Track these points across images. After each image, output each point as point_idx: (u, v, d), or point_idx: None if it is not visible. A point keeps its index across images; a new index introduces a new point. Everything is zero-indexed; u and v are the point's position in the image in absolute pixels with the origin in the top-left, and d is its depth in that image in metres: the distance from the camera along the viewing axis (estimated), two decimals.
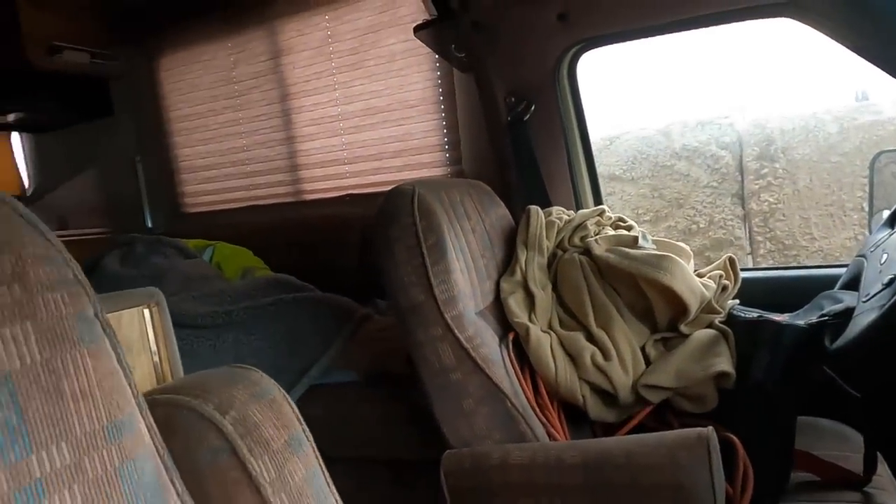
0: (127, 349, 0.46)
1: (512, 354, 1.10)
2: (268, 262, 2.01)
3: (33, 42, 2.03)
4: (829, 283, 1.25)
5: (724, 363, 1.09)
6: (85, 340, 0.38)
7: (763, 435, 1.00)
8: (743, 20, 1.31)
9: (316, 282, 1.73)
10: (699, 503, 0.80)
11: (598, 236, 1.28)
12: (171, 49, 2.41)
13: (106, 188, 2.64)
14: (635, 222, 1.40)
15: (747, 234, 2.51)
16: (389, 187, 1.09)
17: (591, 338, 1.17)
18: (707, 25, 1.34)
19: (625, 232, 1.31)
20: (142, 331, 0.56)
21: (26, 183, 2.74)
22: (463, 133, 1.90)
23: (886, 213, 1.27)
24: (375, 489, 1.30)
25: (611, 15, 1.37)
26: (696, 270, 1.26)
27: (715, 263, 1.32)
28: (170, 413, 0.46)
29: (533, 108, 1.53)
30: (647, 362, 1.17)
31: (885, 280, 0.96)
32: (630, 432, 1.11)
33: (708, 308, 1.19)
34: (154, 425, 0.42)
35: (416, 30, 1.58)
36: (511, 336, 1.14)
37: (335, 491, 0.51)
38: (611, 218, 1.39)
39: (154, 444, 0.42)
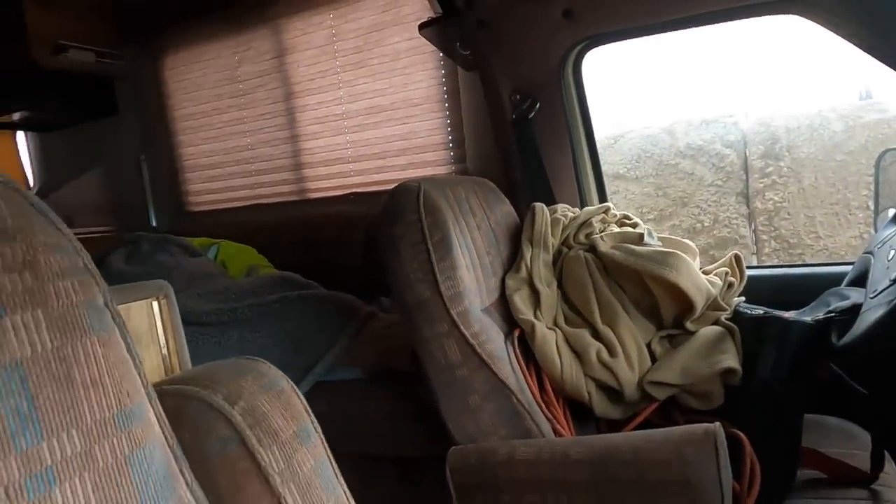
0: (136, 341, 0.46)
1: (518, 351, 1.10)
2: (272, 260, 2.02)
3: (39, 41, 2.04)
4: (834, 280, 1.24)
5: (730, 360, 1.08)
6: (95, 329, 0.38)
7: (770, 432, 0.99)
8: (750, 17, 1.30)
9: (320, 280, 1.73)
10: (706, 499, 0.80)
11: (603, 233, 1.27)
12: (176, 48, 2.42)
13: (111, 187, 2.65)
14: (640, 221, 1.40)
15: (752, 233, 2.50)
16: (393, 186, 1.09)
17: (596, 335, 1.17)
18: (714, 22, 1.34)
19: (630, 229, 1.31)
20: (150, 323, 0.56)
21: (31, 182, 2.75)
22: (467, 131, 1.90)
23: (892, 212, 1.26)
24: (381, 486, 1.30)
25: (616, 12, 1.37)
26: (701, 268, 1.26)
27: (721, 260, 1.32)
28: (178, 403, 0.46)
29: (538, 105, 1.53)
30: (653, 359, 1.16)
31: (893, 276, 0.95)
32: (636, 429, 1.10)
33: (714, 305, 1.18)
34: (163, 415, 0.42)
35: (421, 27, 1.58)
36: (517, 333, 1.14)
37: (343, 482, 0.51)
38: (616, 215, 1.39)
39: (163, 433, 0.42)
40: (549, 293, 1.21)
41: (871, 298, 0.95)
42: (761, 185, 2.45)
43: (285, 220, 2.21)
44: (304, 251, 2.02)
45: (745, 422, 1.00)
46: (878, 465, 0.98)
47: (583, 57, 1.52)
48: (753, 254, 2.51)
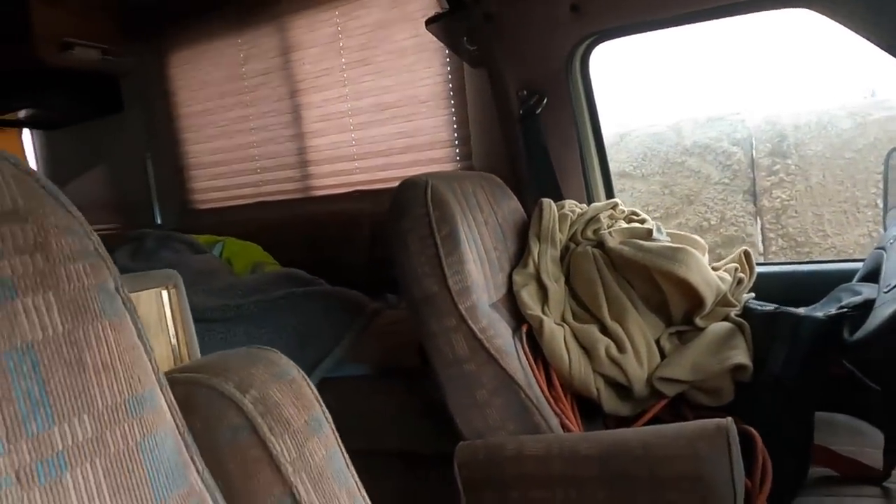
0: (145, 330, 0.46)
1: (525, 346, 1.09)
2: (277, 257, 2.01)
3: (45, 39, 2.03)
4: (845, 277, 1.23)
5: (740, 356, 1.07)
6: (107, 313, 0.37)
7: (782, 428, 0.98)
8: (760, 10, 1.29)
9: (325, 277, 1.73)
10: (718, 495, 0.79)
11: (611, 229, 1.27)
12: (181, 46, 2.42)
13: (116, 184, 2.65)
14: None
15: (759, 231, 2.49)
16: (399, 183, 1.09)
17: (604, 330, 1.16)
18: (723, 16, 1.32)
19: (638, 225, 1.30)
20: (160, 312, 0.55)
21: None
22: (473, 128, 1.89)
23: None
24: (388, 481, 1.29)
25: (624, 6, 1.36)
26: (710, 264, 1.25)
27: (730, 256, 1.31)
28: (189, 391, 0.45)
29: (545, 101, 1.52)
30: (662, 356, 1.16)
31: None
32: (644, 426, 1.09)
33: (723, 301, 1.17)
34: (174, 402, 0.42)
35: (428, 23, 1.57)
36: (524, 328, 1.13)
37: (354, 472, 0.51)
38: (624, 211, 1.38)
39: (174, 420, 0.41)
40: (556, 289, 1.20)
41: (886, 293, 0.94)
42: (768, 182, 2.44)
43: (290, 218, 2.21)
44: (309, 248, 2.02)
45: (757, 418, 0.99)
46: (890, 462, 0.97)
47: (590, 52, 1.52)
48: (761, 253, 2.49)
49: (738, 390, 1.09)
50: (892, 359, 0.94)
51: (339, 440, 0.51)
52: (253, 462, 0.44)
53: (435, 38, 1.68)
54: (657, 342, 1.17)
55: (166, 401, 0.41)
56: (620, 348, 1.13)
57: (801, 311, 1.09)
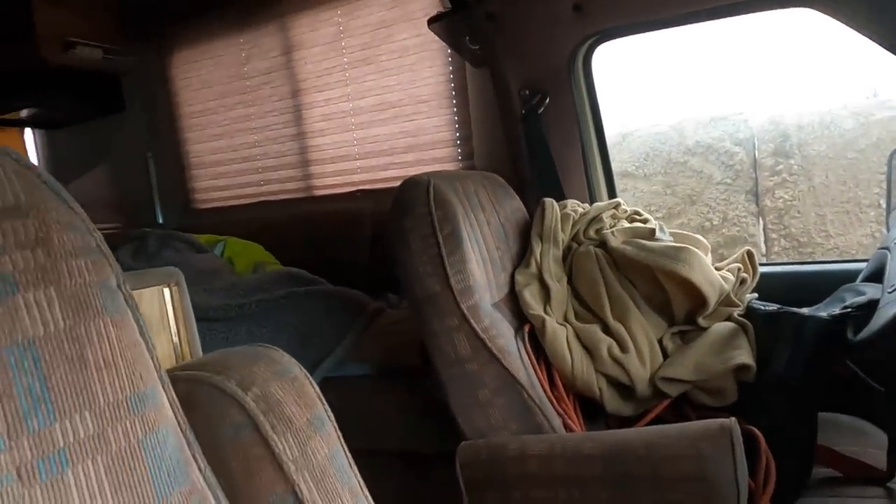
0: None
1: (528, 346, 1.09)
2: (279, 257, 2.01)
3: (48, 39, 2.04)
4: (847, 277, 1.23)
5: (744, 356, 1.07)
6: (108, 309, 0.37)
7: (785, 429, 0.98)
8: (763, 10, 1.29)
9: (326, 276, 1.73)
10: (722, 496, 0.79)
11: (614, 229, 1.26)
12: (183, 45, 2.42)
13: (117, 184, 2.65)
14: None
15: (762, 232, 2.48)
16: (400, 182, 1.08)
17: (607, 330, 1.15)
18: (726, 16, 1.32)
19: (641, 224, 1.30)
20: (162, 310, 0.55)
21: None
22: (475, 128, 1.89)
23: None
24: (390, 481, 1.29)
25: (627, 5, 1.36)
26: (713, 264, 1.25)
27: (733, 256, 1.30)
28: (191, 389, 0.45)
29: (547, 100, 1.52)
30: (665, 356, 1.15)
31: None
32: (647, 426, 1.09)
33: (726, 301, 1.17)
34: (176, 400, 0.42)
35: (430, 22, 1.57)
36: (527, 328, 1.13)
37: (357, 471, 0.50)
38: (626, 211, 1.38)
39: (176, 418, 0.41)
40: (559, 288, 1.20)
41: (890, 293, 0.93)
42: (771, 182, 2.43)
43: (292, 217, 2.21)
44: (311, 248, 2.02)
45: (760, 419, 0.99)
46: (894, 463, 0.96)
47: (593, 51, 1.51)
48: (763, 253, 2.49)
49: (742, 390, 1.09)
50: (895, 359, 0.94)
51: (342, 439, 0.51)
52: (255, 460, 0.44)
53: (437, 38, 1.67)
54: (660, 342, 1.16)
55: (168, 398, 0.41)
56: (623, 348, 1.12)
57: (805, 311, 1.09)
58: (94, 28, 2.19)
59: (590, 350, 1.13)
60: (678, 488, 0.81)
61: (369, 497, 0.51)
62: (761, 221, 2.49)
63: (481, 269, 1.07)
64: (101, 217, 2.62)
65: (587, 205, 1.40)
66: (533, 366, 1.06)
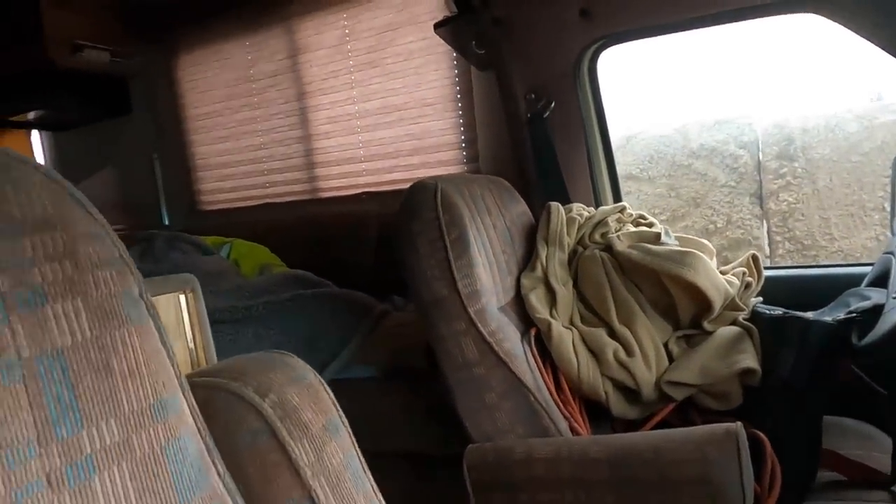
0: None
1: (534, 350, 1.09)
2: (284, 259, 2.02)
3: (56, 41, 2.05)
4: (852, 281, 1.23)
5: (749, 360, 1.07)
6: (132, 319, 0.38)
7: (790, 433, 0.98)
8: (768, 15, 1.29)
9: (332, 279, 1.73)
10: (728, 500, 0.79)
11: (619, 232, 1.27)
12: (190, 47, 2.43)
13: (124, 186, 2.66)
14: None
15: (766, 234, 2.48)
16: (406, 185, 1.09)
17: (613, 334, 1.16)
18: (731, 21, 1.33)
19: (646, 228, 1.31)
20: (178, 316, 0.56)
21: None
22: (480, 131, 1.90)
23: None
24: (396, 483, 1.29)
25: (633, 10, 1.36)
26: (717, 268, 1.25)
27: (738, 260, 1.31)
28: (209, 395, 0.46)
29: (553, 104, 1.53)
30: (670, 360, 1.16)
31: None
32: (653, 430, 1.10)
33: (731, 305, 1.17)
34: (195, 406, 0.43)
35: (437, 26, 1.58)
36: (533, 332, 1.14)
37: (370, 476, 0.51)
38: (631, 215, 1.38)
39: (196, 424, 0.42)
40: (565, 292, 1.20)
41: (894, 298, 0.94)
42: (775, 186, 2.44)
43: (297, 220, 2.22)
44: (316, 250, 2.03)
45: (765, 422, 0.99)
46: None
47: (599, 56, 1.52)
48: (767, 256, 2.49)
49: (747, 394, 1.09)
50: None
51: (356, 443, 0.52)
52: (272, 466, 0.45)
53: (442, 41, 1.68)
54: (665, 346, 1.17)
55: (188, 405, 0.42)
56: (629, 352, 1.13)
57: (810, 315, 1.09)
58: (102, 31, 2.21)
59: (596, 354, 1.14)
60: (684, 492, 0.82)
61: (382, 501, 0.52)
62: (765, 224, 2.49)
63: (488, 273, 1.08)
64: (107, 219, 2.62)
65: (592, 209, 1.41)
66: (539, 369, 1.07)
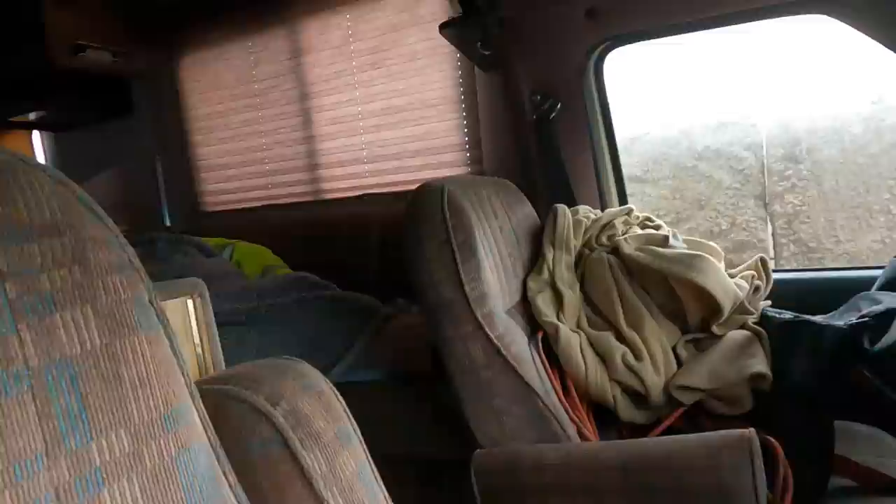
0: None
1: (542, 353, 1.08)
2: (287, 260, 2.01)
3: (58, 42, 2.04)
4: (863, 285, 1.22)
5: (759, 364, 1.06)
6: (143, 326, 0.37)
7: (802, 438, 0.97)
8: (777, 16, 1.28)
9: (335, 281, 1.72)
10: None
11: (626, 235, 1.26)
12: (192, 48, 2.42)
13: (125, 187, 2.65)
14: None
15: (770, 237, 2.47)
16: (409, 187, 1.08)
17: (620, 338, 1.15)
18: (739, 22, 1.32)
19: (654, 231, 1.29)
20: (185, 321, 0.55)
21: None
22: (484, 132, 1.89)
23: None
24: (401, 488, 1.28)
25: (640, 11, 1.35)
26: (726, 271, 1.24)
27: (746, 263, 1.30)
28: (220, 403, 0.45)
29: (559, 106, 1.52)
30: (679, 364, 1.15)
31: None
32: (661, 435, 1.09)
33: (741, 309, 1.16)
34: (206, 415, 0.41)
35: (442, 27, 1.57)
36: (540, 335, 1.13)
37: (382, 485, 0.50)
38: (638, 217, 1.37)
39: (207, 434, 0.41)
40: (571, 295, 1.19)
41: None
42: (780, 188, 2.42)
43: (300, 221, 2.21)
44: (319, 252, 2.01)
45: (776, 428, 0.98)
46: None
47: (605, 57, 1.51)
48: (772, 258, 2.47)
49: (756, 399, 1.08)
50: None
51: (367, 452, 0.50)
52: (284, 476, 0.43)
53: (446, 42, 1.67)
54: (673, 350, 1.16)
55: (199, 415, 0.41)
56: (637, 356, 1.12)
57: (821, 319, 1.08)
58: (104, 31, 2.20)
59: (603, 357, 1.13)
60: (697, 498, 0.81)
61: None
62: (770, 226, 2.47)
63: (495, 277, 1.07)
64: None
65: (599, 211, 1.40)
66: (547, 373, 1.06)
